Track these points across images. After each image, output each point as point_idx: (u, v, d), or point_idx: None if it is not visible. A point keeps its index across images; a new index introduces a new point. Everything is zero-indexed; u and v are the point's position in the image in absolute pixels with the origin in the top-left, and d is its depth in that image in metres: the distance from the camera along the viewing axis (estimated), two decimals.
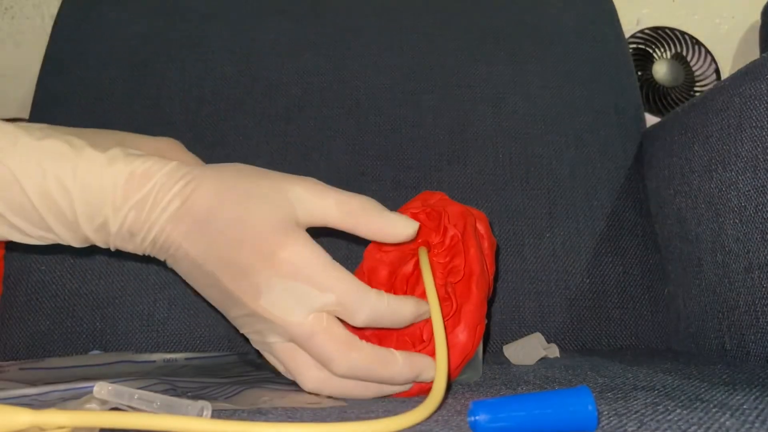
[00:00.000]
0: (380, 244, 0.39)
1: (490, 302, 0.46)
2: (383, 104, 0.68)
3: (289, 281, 0.32)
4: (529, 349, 0.50)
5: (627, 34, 0.93)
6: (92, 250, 0.35)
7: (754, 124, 0.48)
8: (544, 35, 0.73)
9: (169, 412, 0.29)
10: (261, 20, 0.72)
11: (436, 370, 0.31)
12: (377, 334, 0.38)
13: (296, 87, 0.68)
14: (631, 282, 0.63)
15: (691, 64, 1.00)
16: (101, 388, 0.28)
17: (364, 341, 0.34)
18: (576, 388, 0.26)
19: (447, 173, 0.65)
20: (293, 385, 0.38)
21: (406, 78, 0.69)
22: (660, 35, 1.00)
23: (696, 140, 0.56)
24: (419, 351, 0.36)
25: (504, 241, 0.63)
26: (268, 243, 0.32)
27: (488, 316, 0.39)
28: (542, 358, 0.50)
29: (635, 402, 0.31)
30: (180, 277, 0.35)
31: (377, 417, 0.27)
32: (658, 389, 0.35)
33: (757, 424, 0.26)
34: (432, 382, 0.32)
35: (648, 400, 0.32)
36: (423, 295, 0.37)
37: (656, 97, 0.96)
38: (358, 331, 0.37)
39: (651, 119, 0.92)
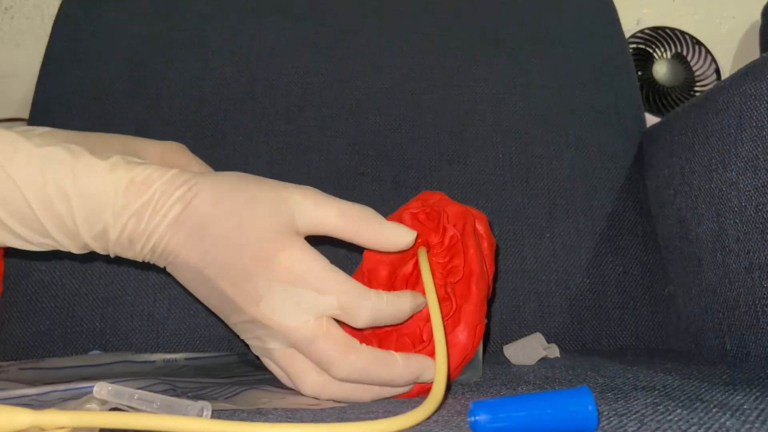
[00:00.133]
0: None
1: (490, 302, 0.46)
2: (383, 104, 0.68)
3: (288, 287, 0.32)
4: (529, 349, 0.50)
5: (627, 34, 0.93)
6: (92, 255, 0.35)
7: (754, 124, 0.48)
8: (544, 35, 0.73)
9: (169, 413, 0.29)
10: (261, 20, 0.72)
11: (436, 370, 0.31)
12: (377, 335, 0.38)
13: (296, 87, 0.68)
14: (631, 282, 0.63)
15: (692, 64, 1.00)
16: (101, 389, 0.28)
17: (364, 344, 0.34)
18: (576, 388, 0.26)
19: (447, 173, 0.65)
20: (292, 389, 0.38)
21: (406, 78, 0.69)
22: (660, 35, 1.00)
23: (696, 140, 0.56)
24: (419, 351, 0.36)
25: (504, 241, 0.63)
26: (268, 249, 0.32)
27: (488, 316, 0.39)
28: (542, 358, 0.50)
29: (635, 402, 0.31)
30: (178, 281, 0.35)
31: (377, 417, 0.27)
32: (658, 389, 0.35)
33: (757, 425, 0.26)
34: (432, 382, 0.32)
35: (648, 400, 0.32)
36: (423, 295, 0.37)
37: (656, 97, 0.96)
38: (357, 332, 0.37)
39: (651, 119, 0.92)
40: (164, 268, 0.35)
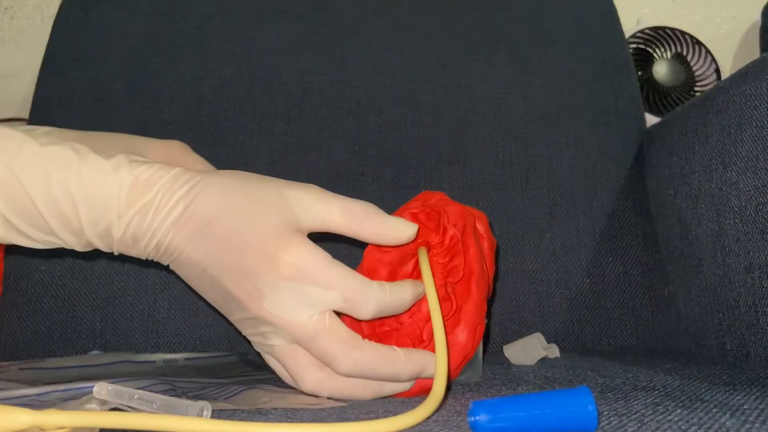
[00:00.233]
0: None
1: (490, 302, 0.46)
2: (383, 104, 0.68)
3: (291, 283, 0.32)
4: (529, 350, 0.50)
5: (627, 34, 0.93)
6: (95, 254, 0.36)
7: (754, 124, 0.48)
8: (544, 35, 0.73)
9: (169, 413, 0.29)
10: (261, 20, 0.72)
11: (436, 370, 0.31)
12: (377, 335, 0.38)
13: (296, 87, 0.68)
14: (631, 282, 0.63)
15: (692, 64, 1.00)
16: (101, 389, 0.28)
17: (366, 340, 0.34)
18: (576, 388, 0.26)
19: (447, 173, 0.65)
20: (293, 387, 0.38)
21: (406, 78, 0.69)
22: (660, 35, 1.00)
23: (696, 140, 0.56)
24: None
25: (504, 241, 0.63)
26: (270, 246, 0.32)
27: (488, 316, 0.39)
28: (542, 358, 0.50)
29: (635, 402, 0.31)
30: (181, 279, 0.36)
31: (377, 417, 0.27)
32: (658, 389, 0.35)
33: (757, 425, 0.26)
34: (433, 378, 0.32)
35: (648, 400, 0.32)
36: (423, 295, 0.37)
37: (656, 97, 0.96)
38: (359, 331, 0.37)
39: (651, 119, 0.92)
40: (168, 265, 0.35)
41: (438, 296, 0.35)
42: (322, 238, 0.36)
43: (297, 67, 0.69)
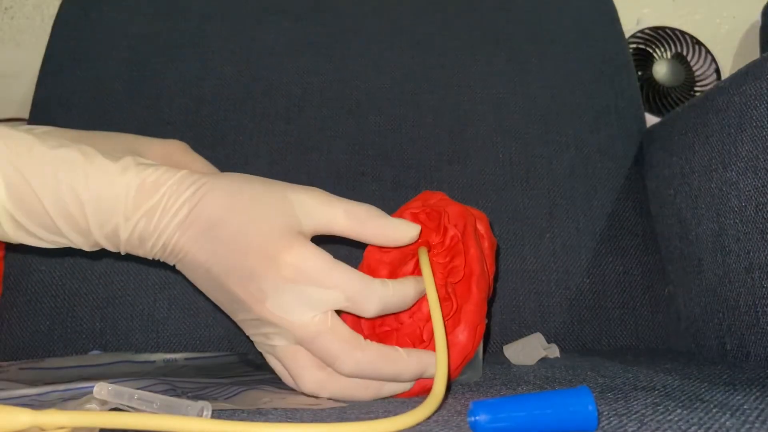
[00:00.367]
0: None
1: (490, 302, 0.46)
2: (383, 104, 0.68)
3: (293, 284, 0.33)
4: (529, 349, 0.50)
5: (627, 34, 0.93)
6: (96, 254, 0.36)
7: (754, 124, 0.48)
8: (544, 35, 0.73)
9: (169, 413, 0.29)
10: (261, 20, 0.72)
11: (437, 370, 0.31)
12: (377, 335, 0.38)
13: (296, 87, 0.68)
14: (631, 282, 0.63)
15: (692, 64, 1.00)
16: (101, 389, 0.28)
17: (368, 340, 0.34)
18: (576, 388, 0.26)
19: (447, 173, 0.65)
20: (293, 388, 0.38)
21: (406, 78, 0.69)
22: (660, 35, 1.00)
23: (696, 140, 0.56)
24: None
25: (504, 241, 0.63)
26: (273, 249, 0.33)
27: (488, 316, 0.39)
28: (542, 358, 0.50)
29: (635, 402, 0.31)
30: (181, 278, 0.36)
31: (377, 417, 0.27)
32: (658, 389, 0.35)
33: (757, 425, 0.26)
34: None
35: (648, 400, 0.32)
36: (423, 295, 0.37)
37: (656, 97, 0.96)
38: (359, 331, 0.37)
39: (651, 119, 0.92)
40: (174, 265, 0.36)
41: (438, 296, 0.35)
42: (323, 240, 0.36)
43: (297, 67, 0.69)
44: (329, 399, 0.35)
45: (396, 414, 0.27)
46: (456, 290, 0.38)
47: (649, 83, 0.97)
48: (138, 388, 0.30)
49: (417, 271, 0.39)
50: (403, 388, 0.36)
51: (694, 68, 1.00)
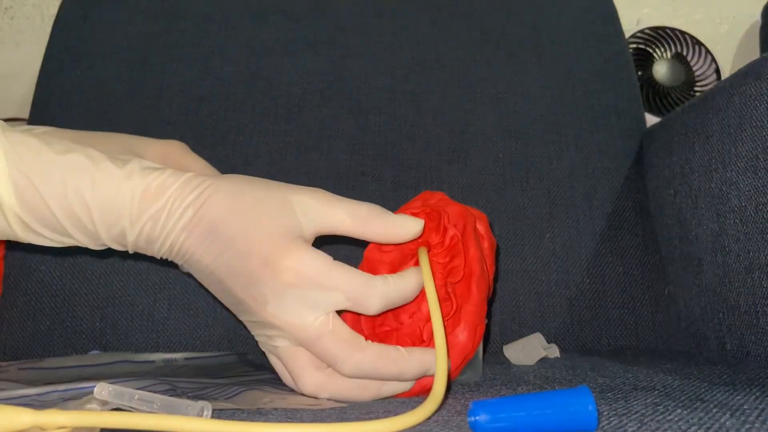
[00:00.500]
0: (380, 245, 0.40)
1: (490, 302, 0.46)
2: (383, 104, 0.68)
3: (294, 288, 0.33)
4: (529, 350, 0.50)
5: (627, 34, 0.93)
6: (109, 251, 0.37)
7: (754, 124, 0.48)
8: (544, 35, 0.73)
9: (170, 413, 0.29)
10: (261, 20, 0.72)
11: (437, 370, 0.31)
12: (377, 335, 0.38)
13: (296, 87, 0.68)
14: (631, 282, 0.63)
15: (692, 64, 1.00)
16: (102, 389, 0.28)
17: (369, 341, 0.34)
18: (576, 388, 0.26)
19: (447, 173, 0.65)
20: (292, 389, 0.38)
21: (406, 78, 0.69)
22: (660, 35, 1.00)
23: (696, 140, 0.56)
24: None
25: (504, 241, 0.63)
26: (272, 254, 0.33)
27: (488, 316, 0.39)
28: (542, 359, 0.50)
29: (635, 402, 0.31)
30: (181, 278, 0.36)
31: (377, 417, 0.27)
32: (658, 389, 0.35)
33: (757, 425, 0.26)
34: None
35: (648, 400, 0.32)
36: (423, 295, 0.37)
37: (656, 97, 0.96)
38: (360, 331, 0.37)
39: (651, 119, 0.92)
40: (181, 265, 0.37)
41: (438, 296, 0.35)
42: (324, 240, 0.36)
43: (297, 67, 0.69)
44: (329, 399, 0.35)
45: (396, 414, 0.27)
46: (456, 290, 0.38)
47: (649, 83, 0.97)
48: (138, 388, 0.30)
49: None
50: (403, 387, 0.36)
51: (694, 68, 1.00)
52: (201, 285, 0.37)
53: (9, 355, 0.57)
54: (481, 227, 0.41)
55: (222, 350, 0.58)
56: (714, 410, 0.29)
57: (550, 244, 0.63)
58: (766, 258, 0.47)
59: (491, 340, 0.60)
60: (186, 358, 0.54)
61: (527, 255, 0.63)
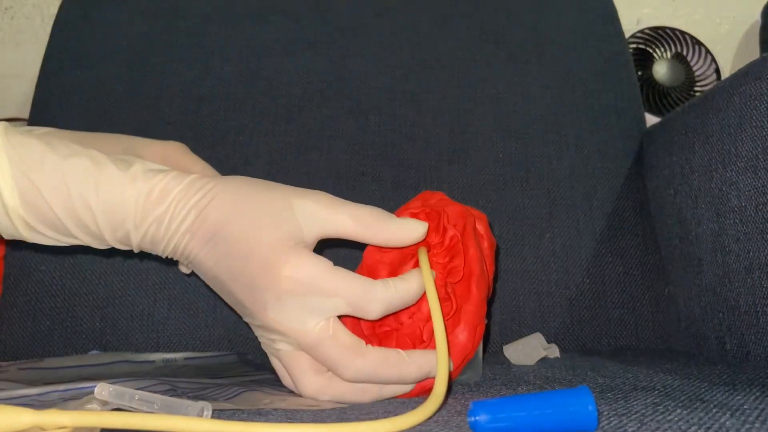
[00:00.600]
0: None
1: (490, 302, 0.46)
2: (383, 104, 0.68)
3: (294, 296, 0.33)
4: (529, 350, 0.50)
5: (627, 34, 0.93)
6: (114, 251, 0.37)
7: (754, 124, 0.48)
8: (544, 35, 0.73)
9: (170, 413, 0.29)
10: (261, 20, 0.72)
11: (437, 370, 0.31)
12: (377, 336, 0.38)
13: (296, 87, 0.68)
14: (631, 282, 0.63)
15: (692, 64, 1.00)
16: (102, 389, 0.28)
17: (370, 345, 0.34)
18: (576, 388, 0.26)
19: (447, 173, 0.65)
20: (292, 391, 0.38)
21: (406, 78, 0.69)
22: (660, 35, 1.00)
23: (696, 140, 0.56)
24: None
25: (504, 241, 0.63)
26: (272, 260, 0.33)
27: (488, 316, 0.39)
28: (542, 359, 0.50)
29: (635, 402, 0.31)
30: (181, 278, 0.36)
31: (377, 418, 0.27)
32: (658, 389, 0.35)
33: (757, 425, 0.26)
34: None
35: (648, 400, 0.32)
36: (423, 296, 0.37)
37: (656, 97, 0.96)
38: (360, 333, 0.37)
39: (651, 119, 0.92)
40: (188, 265, 0.37)
41: (438, 296, 0.35)
42: (325, 242, 0.36)
43: (297, 67, 0.69)
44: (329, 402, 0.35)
45: (396, 414, 0.27)
46: (456, 290, 0.38)
47: (649, 83, 0.97)
48: (138, 389, 0.30)
49: None
50: (403, 390, 0.36)
51: (694, 68, 1.00)
52: (205, 284, 0.37)
53: (9, 355, 0.57)
54: (481, 227, 0.41)
55: (222, 350, 0.58)
56: (714, 410, 0.29)
57: (550, 244, 0.63)
58: (766, 258, 0.47)
59: (491, 340, 0.60)
60: (186, 358, 0.54)
61: (527, 255, 0.63)
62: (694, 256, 0.56)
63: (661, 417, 0.28)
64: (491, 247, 0.41)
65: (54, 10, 0.74)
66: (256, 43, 0.70)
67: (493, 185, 0.65)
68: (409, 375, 0.35)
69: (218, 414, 0.30)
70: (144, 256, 0.37)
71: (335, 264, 0.34)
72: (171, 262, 0.37)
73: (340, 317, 0.34)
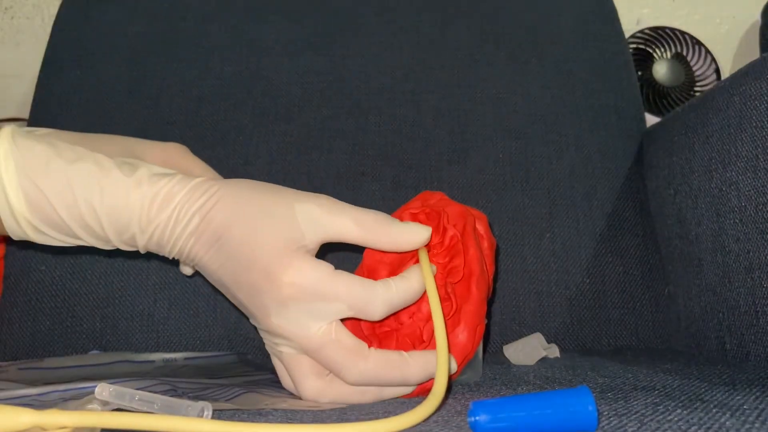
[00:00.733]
0: None
1: (490, 302, 0.46)
2: (383, 104, 0.68)
3: (296, 301, 0.33)
4: (529, 350, 0.50)
5: (627, 34, 0.93)
6: (119, 251, 0.37)
7: (754, 124, 0.48)
8: (544, 35, 0.73)
9: (170, 413, 0.29)
10: (261, 20, 0.72)
11: (437, 370, 0.31)
12: (377, 336, 0.38)
13: (296, 87, 0.68)
14: (631, 282, 0.63)
15: (691, 64, 1.00)
16: (103, 389, 0.28)
17: (372, 348, 0.34)
18: (576, 388, 0.26)
19: (447, 173, 0.65)
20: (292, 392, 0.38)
21: (406, 78, 0.69)
22: (660, 35, 1.00)
23: (696, 140, 0.56)
24: None
25: (504, 241, 0.63)
26: (274, 266, 0.33)
27: (488, 316, 0.39)
28: (542, 359, 0.50)
29: (635, 402, 0.31)
30: (181, 278, 0.36)
31: (377, 418, 0.27)
32: (658, 389, 0.35)
33: (757, 425, 0.26)
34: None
35: (648, 400, 0.32)
36: (423, 296, 0.37)
37: (656, 97, 0.96)
38: (361, 334, 0.37)
39: (651, 119, 0.92)
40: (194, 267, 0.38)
41: (438, 296, 0.35)
42: (327, 245, 0.36)
43: (297, 67, 0.69)
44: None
45: (396, 414, 0.27)
46: (455, 290, 0.38)
47: (649, 83, 0.97)
48: (138, 389, 0.30)
49: None
50: (403, 391, 0.36)
51: (694, 68, 1.00)
52: (206, 284, 0.37)
53: (9, 355, 0.57)
54: (481, 227, 0.41)
55: (222, 350, 0.58)
56: (714, 410, 0.29)
57: (550, 244, 0.63)
58: (766, 258, 0.47)
59: (491, 340, 0.60)
60: (186, 358, 0.54)
61: (527, 255, 0.63)
62: (694, 255, 0.56)
63: (661, 417, 0.28)
64: (491, 247, 0.41)
65: (54, 10, 0.74)
66: (256, 43, 0.70)
67: (493, 185, 0.65)
68: (412, 377, 0.35)
69: (219, 414, 0.30)
70: (149, 255, 0.37)
71: (335, 264, 0.34)
72: (176, 262, 0.38)
73: (342, 320, 0.35)
